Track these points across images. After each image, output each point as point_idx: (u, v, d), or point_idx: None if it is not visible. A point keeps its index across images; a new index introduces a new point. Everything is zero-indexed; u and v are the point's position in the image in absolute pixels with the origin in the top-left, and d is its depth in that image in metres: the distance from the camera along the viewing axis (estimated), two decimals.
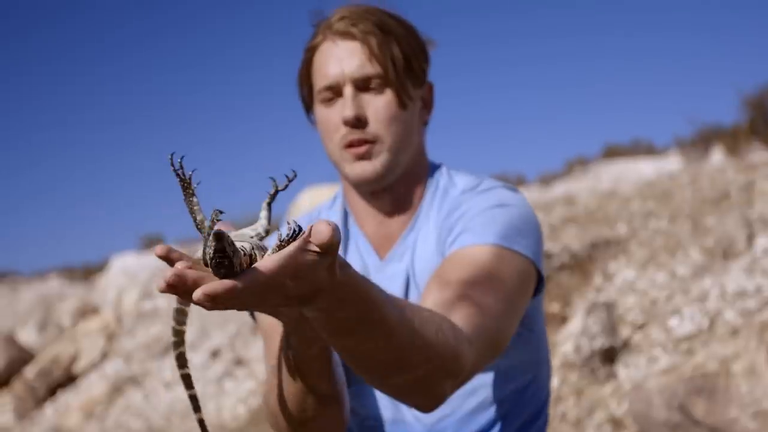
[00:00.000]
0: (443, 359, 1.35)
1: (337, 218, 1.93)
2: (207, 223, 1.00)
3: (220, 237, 0.94)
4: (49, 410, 8.34)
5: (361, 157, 1.78)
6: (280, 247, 1.03)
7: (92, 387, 8.22)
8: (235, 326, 8.05)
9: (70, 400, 8.26)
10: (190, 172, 1.06)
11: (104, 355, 8.98)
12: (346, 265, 1.11)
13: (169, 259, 1.03)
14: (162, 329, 8.86)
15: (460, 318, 1.44)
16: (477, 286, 1.53)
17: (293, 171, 1.18)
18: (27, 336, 10.34)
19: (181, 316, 1.34)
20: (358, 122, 1.76)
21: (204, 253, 0.97)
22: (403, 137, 1.81)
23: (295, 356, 1.40)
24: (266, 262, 0.99)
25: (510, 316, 1.61)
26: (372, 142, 1.77)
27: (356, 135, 1.77)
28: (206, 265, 0.97)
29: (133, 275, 10.98)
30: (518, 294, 1.65)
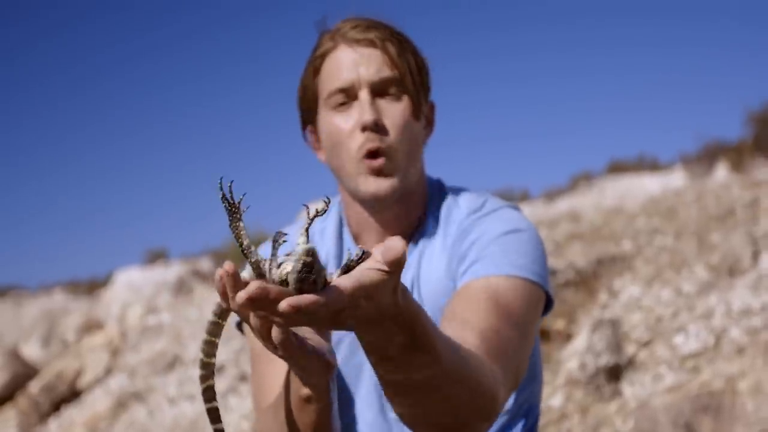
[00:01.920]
0: (485, 399, 1.34)
1: (331, 228, 1.90)
2: (267, 250, 1.06)
3: (313, 253, 0.98)
4: (54, 426, 8.32)
5: (378, 173, 1.72)
6: (349, 267, 1.04)
7: (96, 402, 8.21)
8: (239, 342, 8.05)
9: (74, 415, 8.25)
10: (240, 198, 1.08)
11: (108, 371, 8.97)
12: (406, 290, 1.12)
13: (234, 277, 1.06)
14: (167, 345, 8.85)
15: (487, 358, 1.42)
16: (498, 323, 1.53)
17: (327, 197, 1.16)
18: (31, 351, 10.34)
19: (210, 348, 1.30)
20: (377, 128, 1.71)
21: (276, 269, 1.02)
22: (415, 148, 1.78)
23: (298, 405, 1.38)
24: (343, 281, 1.01)
25: (527, 348, 1.61)
26: (388, 153, 1.72)
27: (375, 143, 1.71)
28: (279, 282, 1.02)
29: (137, 290, 10.99)
30: (532, 324, 1.66)
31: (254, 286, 0.99)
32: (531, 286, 1.66)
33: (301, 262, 0.98)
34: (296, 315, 0.98)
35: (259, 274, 1.06)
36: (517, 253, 1.67)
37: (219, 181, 1.08)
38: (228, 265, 1.06)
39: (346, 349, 1.81)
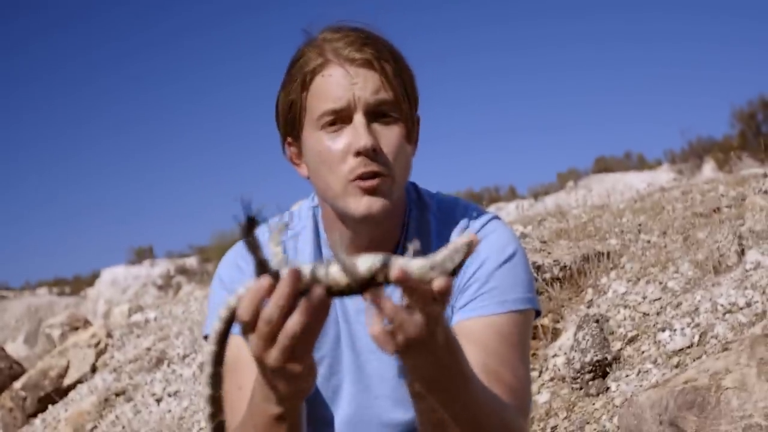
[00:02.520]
0: None
1: (308, 235, 1.84)
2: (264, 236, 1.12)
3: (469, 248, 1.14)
4: (39, 424, 8.28)
5: (371, 192, 1.65)
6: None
7: (82, 400, 8.17)
8: None
9: (59, 413, 8.21)
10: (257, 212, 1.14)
11: (94, 369, 8.94)
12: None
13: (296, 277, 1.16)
14: (153, 342, 8.82)
15: (506, 396, 1.54)
16: (507, 360, 1.62)
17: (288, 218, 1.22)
18: (16, 349, 10.30)
19: (217, 380, 1.23)
20: (373, 153, 1.64)
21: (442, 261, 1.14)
22: (407, 172, 1.73)
23: (268, 424, 1.37)
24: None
25: (530, 375, 1.72)
26: (383, 175, 1.65)
27: (370, 167, 1.64)
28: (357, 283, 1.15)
29: (123, 288, 10.96)
30: (529, 347, 1.76)
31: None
32: (529, 313, 1.74)
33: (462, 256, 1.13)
34: (446, 295, 1.14)
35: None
36: (514, 287, 1.71)
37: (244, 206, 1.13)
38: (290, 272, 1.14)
39: (326, 369, 1.78)
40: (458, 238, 1.15)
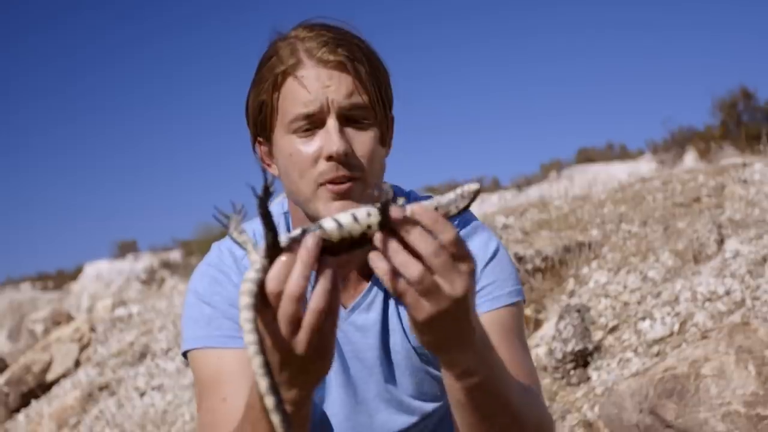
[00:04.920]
0: (548, 421, 1.56)
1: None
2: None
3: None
4: (22, 419, 8.26)
5: (342, 196, 1.61)
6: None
7: (65, 395, 8.16)
8: None
9: (43, 408, 8.19)
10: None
11: (77, 363, 8.92)
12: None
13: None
14: (136, 336, 8.81)
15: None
16: (516, 353, 1.67)
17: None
18: None
19: (269, 368, 1.14)
20: (345, 158, 1.59)
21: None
22: (380, 175, 1.69)
23: None
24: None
25: (533, 363, 1.75)
26: (354, 179, 1.61)
27: (341, 172, 1.59)
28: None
29: (106, 282, 10.93)
30: (525, 336, 1.78)
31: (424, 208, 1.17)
32: (521, 304, 1.77)
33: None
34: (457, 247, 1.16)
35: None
36: (505, 282, 1.74)
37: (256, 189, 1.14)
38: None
39: None
40: (466, 185, 1.18)
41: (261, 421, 1.29)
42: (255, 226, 1.77)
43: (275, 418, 1.12)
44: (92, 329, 9.51)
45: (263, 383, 1.12)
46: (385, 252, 1.15)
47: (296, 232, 1.17)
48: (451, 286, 1.16)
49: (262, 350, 1.12)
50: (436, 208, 1.17)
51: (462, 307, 1.19)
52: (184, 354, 1.72)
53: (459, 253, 1.17)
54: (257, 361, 1.12)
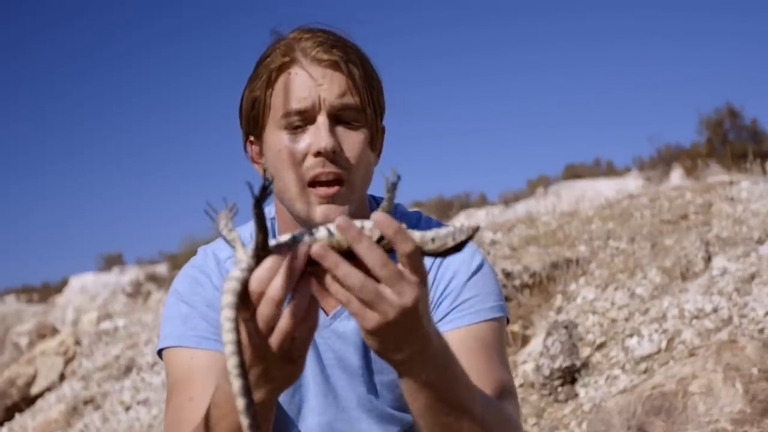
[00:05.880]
0: None
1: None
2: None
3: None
4: None
5: (328, 200, 1.61)
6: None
7: (50, 409, 8.10)
8: None
9: (27, 422, 8.13)
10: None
11: (62, 377, 8.86)
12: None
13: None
14: (122, 350, 8.76)
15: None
16: (491, 365, 1.65)
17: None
18: None
19: (244, 370, 1.14)
20: (333, 156, 1.60)
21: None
22: (368, 180, 1.70)
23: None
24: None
25: (513, 379, 1.73)
26: (342, 181, 1.62)
27: (329, 168, 1.60)
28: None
29: (92, 295, 10.88)
30: (506, 352, 1.78)
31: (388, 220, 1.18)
32: (503, 320, 1.76)
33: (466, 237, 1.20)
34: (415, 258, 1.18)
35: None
36: (487, 297, 1.74)
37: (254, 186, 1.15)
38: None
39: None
40: (465, 222, 1.21)
41: (223, 420, 1.32)
42: (250, 229, 1.76)
43: (244, 421, 1.12)
44: (77, 342, 9.46)
45: (236, 384, 1.11)
46: (326, 263, 1.17)
47: (287, 236, 1.19)
48: (399, 296, 1.17)
49: (240, 351, 1.12)
50: (433, 240, 1.19)
51: (412, 317, 1.19)
52: (159, 353, 1.73)
53: (412, 266, 1.18)
54: (233, 361, 1.12)
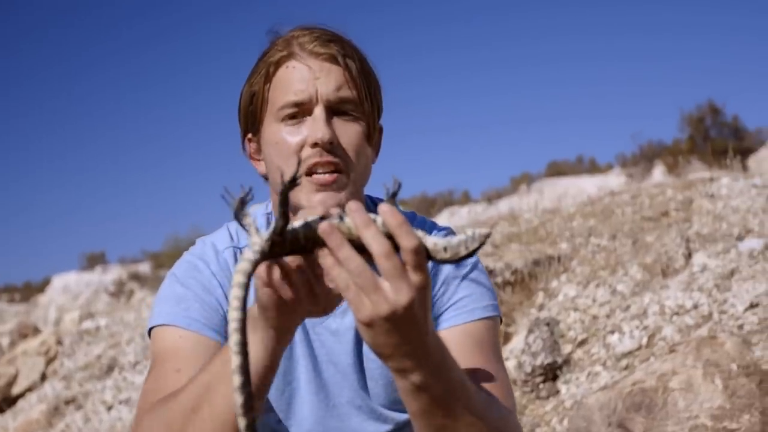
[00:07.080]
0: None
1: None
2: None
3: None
4: None
5: (325, 188, 1.62)
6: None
7: (31, 409, 8.06)
8: None
9: (8, 422, 8.09)
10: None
11: (44, 377, 8.82)
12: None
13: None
14: (104, 349, 8.72)
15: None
16: (487, 363, 1.65)
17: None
18: None
19: (245, 348, 1.16)
20: (330, 147, 1.62)
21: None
22: (365, 173, 1.71)
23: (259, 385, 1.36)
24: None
25: (508, 376, 1.72)
26: (340, 170, 1.63)
27: (326, 158, 1.61)
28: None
29: (74, 294, 10.83)
30: (501, 351, 1.78)
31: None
32: (496, 319, 1.77)
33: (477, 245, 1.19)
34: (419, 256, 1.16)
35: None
36: (481, 296, 1.75)
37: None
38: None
39: (279, 381, 1.77)
40: (477, 228, 1.19)
41: (219, 385, 1.37)
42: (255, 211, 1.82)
43: (238, 398, 1.13)
44: (59, 342, 9.41)
45: (236, 360, 1.13)
46: (330, 242, 1.18)
47: (300, 222, 1.21)
48: (396, 293, 1.16)
49: (243, 329, 1.14)
50: (445, 249, 1.18)
51: (406, 318, 1.17)
52: (149, 332, 1.72)
53: (414, 263, 1.17)
54: (235, 338, 1.14)
